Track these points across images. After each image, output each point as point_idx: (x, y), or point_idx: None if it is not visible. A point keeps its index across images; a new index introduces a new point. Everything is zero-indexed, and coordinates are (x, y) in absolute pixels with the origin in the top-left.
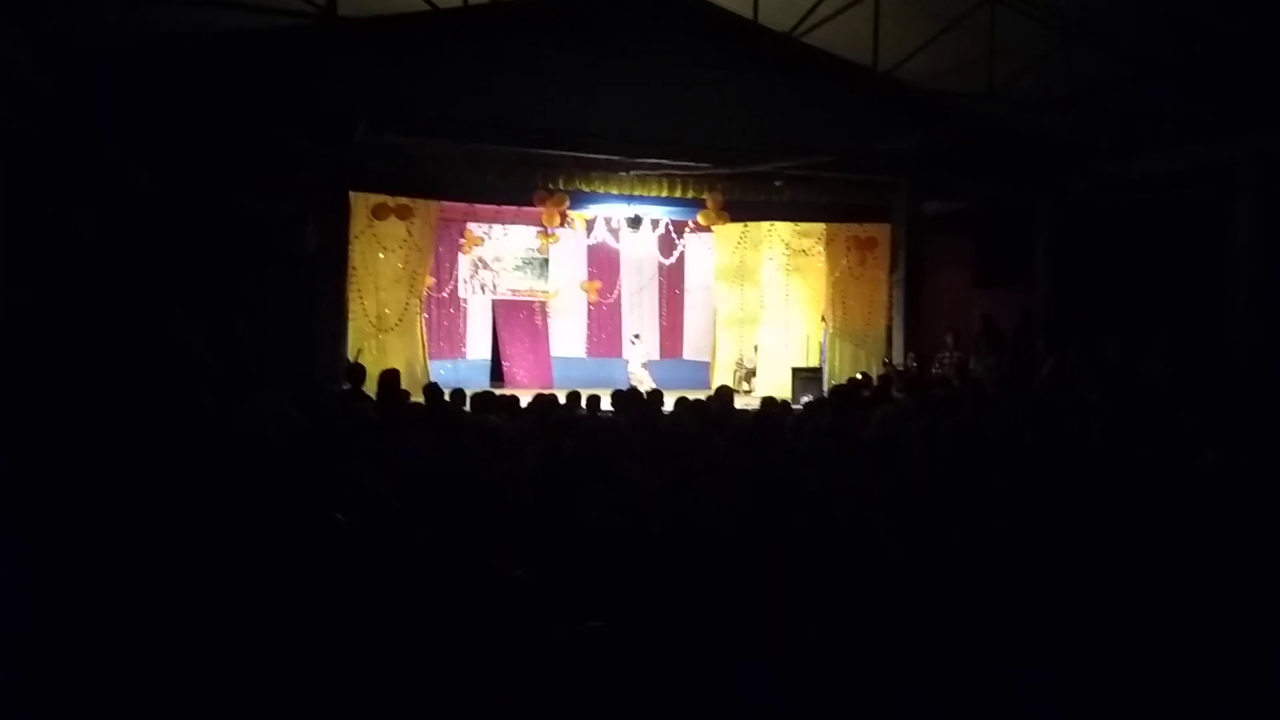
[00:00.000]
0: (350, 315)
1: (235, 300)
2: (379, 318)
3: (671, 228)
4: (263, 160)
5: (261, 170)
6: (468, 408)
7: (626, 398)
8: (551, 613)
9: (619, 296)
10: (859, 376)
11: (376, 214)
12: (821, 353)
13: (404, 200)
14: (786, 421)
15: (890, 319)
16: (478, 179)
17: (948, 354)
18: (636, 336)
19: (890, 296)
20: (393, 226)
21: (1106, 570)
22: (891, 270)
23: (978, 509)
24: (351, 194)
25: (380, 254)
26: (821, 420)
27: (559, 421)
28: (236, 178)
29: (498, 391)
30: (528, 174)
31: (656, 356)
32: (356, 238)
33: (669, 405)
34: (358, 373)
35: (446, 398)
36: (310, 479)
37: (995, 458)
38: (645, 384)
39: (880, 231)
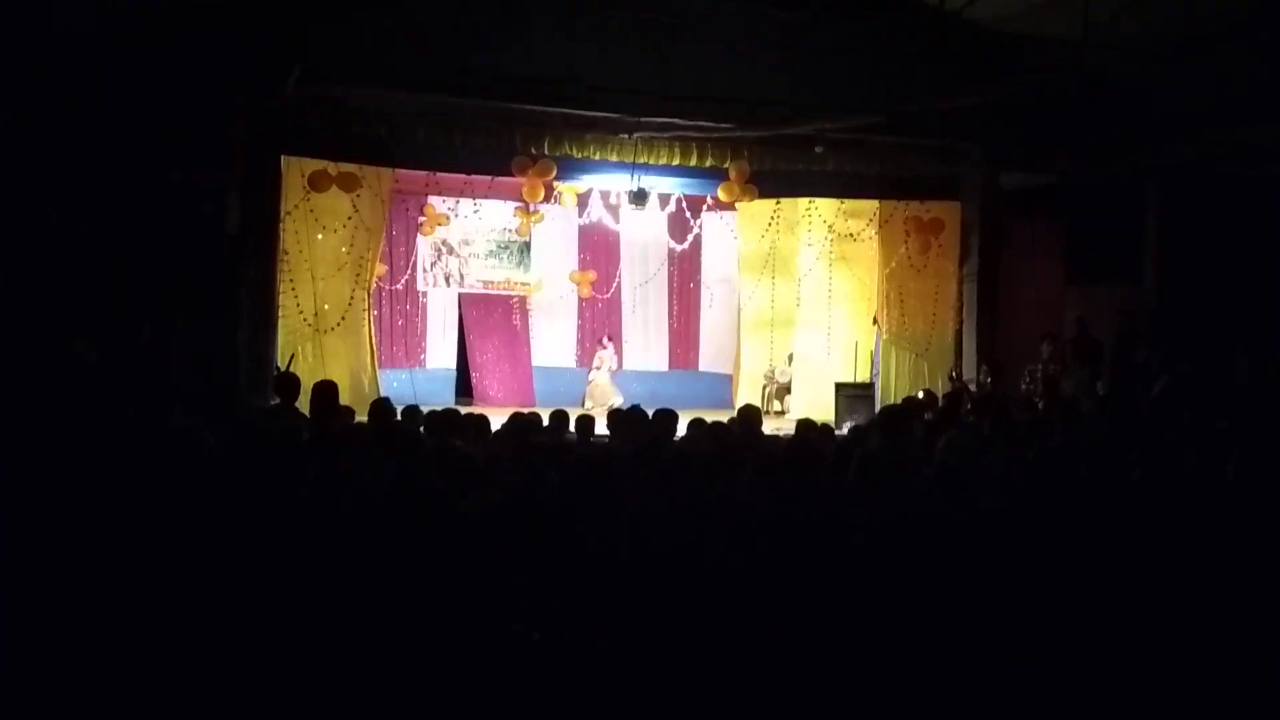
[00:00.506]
0: (281, 312)
1: (137, 296)
2: (316, 315)
3: (685, 205)
4: (171, 118)
5: (170, 130)
6: (425, 429)
7: (627, 419)
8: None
9: (618, 291)
10: (920, 395)
11: (314, 184)
12: (873, 364)
13: (349, 167)
14: (828, 450)
15: (960, 322)
16: (442, 141)
17: (1040, 368)
18: (609, 339)
19: (960, 294)
20: (334, 200)
21: (1245, 638)
22: (962, 261)
23: (1071, 564)
24: (283, 159)
25: (319, 234)
26: (871, 448)
27: (541, 447)
28: (137, 140)
29: (464, 409)
30: (505, 135)
31: (652, 367)
32: (289, 214)
33: (682, 428)
34: (289, 384)
35: (399, 417)
36: (229, 520)
37: (1095, 499)
38: (610, 400)
39: (948, 211)
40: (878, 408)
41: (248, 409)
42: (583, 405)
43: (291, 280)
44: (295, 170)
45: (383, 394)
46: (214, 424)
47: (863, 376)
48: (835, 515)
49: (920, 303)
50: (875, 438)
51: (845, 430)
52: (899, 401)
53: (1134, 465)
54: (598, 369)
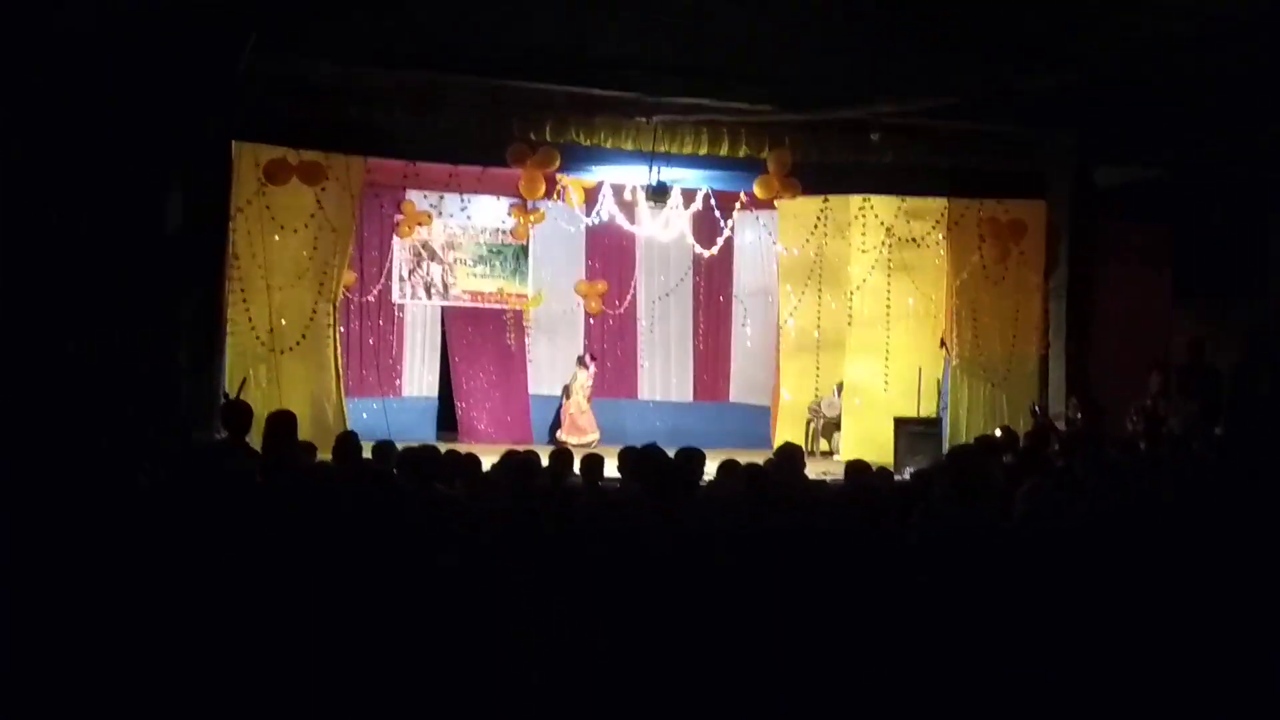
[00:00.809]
0: (229, 328)
1: (59, 308)
2: (272, 332)
3: (715, 202)
4: (104, 97)
5: (101, 113)
6: (399, 470)
7: (643, 459)
8: None
9: (634, 306)
10: (996, 433)
11: (271, 175)
12: (941, 396)
13: (312, 155)
14: (885, 497)
15: (1045, 345)
16: (423, 125)
17: (1149, 403)
18: (591, 358)
19: (1045, 311)
20: (294, 195)
21: None
22: (1047, 271)
23: (1187, 641)
24: (234, 145)
25: (275, 236)
26: (938, 497)
27: (540, 492)
28: (63, 124)
29: (447, 447)
30: (498, 118)
31: (674, 397)
32: (240, 211)
33: (710, 471)
34: (239, 414)
35: (368, 455)
36: (164, 577)
37: (1212, 564)
38: (588, 436)
39: (1031, 212)
40: (945, 448)
41: (189, 444)
42: (550, 437)
43: (242, 290)
44: (248, 159)
45: (350, 427)
46: (148, 462)
47: (928, 411)
48: (896, 577)
49: (997, 321)
50: (943, 484)
51: (906, 475)
52: (971, 441)
53: (1259, 523)
54: (574, 390)
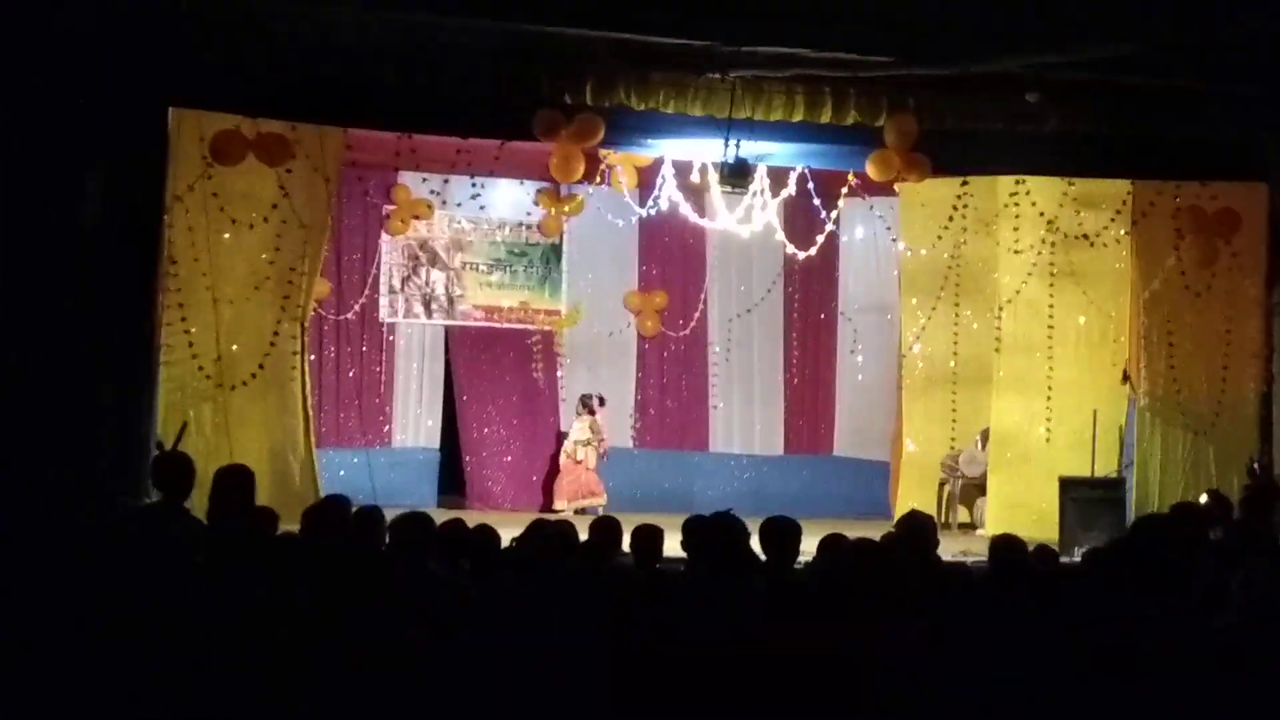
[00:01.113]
0: (164, 355)
1: None
2: (220, 361)
3: (813, 186)
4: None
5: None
6: (391, 545)
7: (715, 532)
8: None
9: (703, 325)
10: (1203, 498)
11: (220, 152)
12: (1124, 449)
13: (274, 126)
14: (1047, 585)
15: (1269, 379)
16: (421, 86)
17: None
18: (600, 401)
19: (1268, 333)
20: (251, 178)
21: None
22: (1270, 280)
23: None
24: (171, 113)
25: (225, 233)
26: (1122, 586)
27: (580, 579)
28: None
29: (450, 514)
30: (521, 76)
31: (759, 449)
32: (179, 200)
33: (809, 549)
34: (177, 470)
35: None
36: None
37: None
38: (594, 500)
39: (1246, 198)
40: (1131, 519)
41: (111, 508)
42: (551, 505)
43: (181, 306)
44: (190, 129)
45: (322, 488)
46: (55, 533)
47: (1107, 468)
48: (1065, 695)
49: (1202, 348)
50: (1128, 569)
51: (1077, 557)
52: (1166, 510)
53: None
54: (583, 443)
